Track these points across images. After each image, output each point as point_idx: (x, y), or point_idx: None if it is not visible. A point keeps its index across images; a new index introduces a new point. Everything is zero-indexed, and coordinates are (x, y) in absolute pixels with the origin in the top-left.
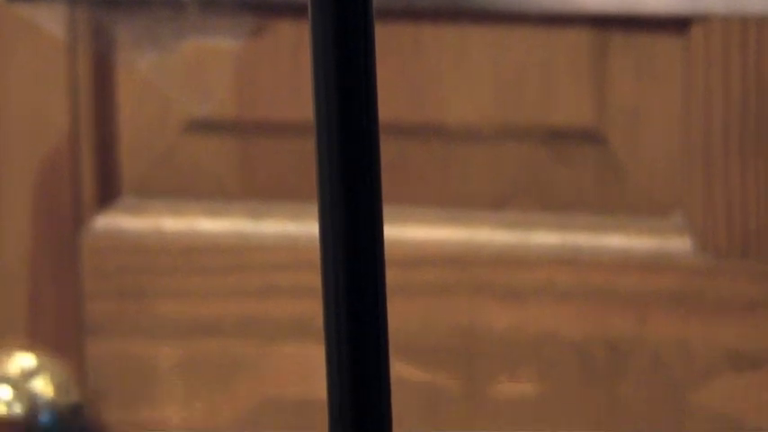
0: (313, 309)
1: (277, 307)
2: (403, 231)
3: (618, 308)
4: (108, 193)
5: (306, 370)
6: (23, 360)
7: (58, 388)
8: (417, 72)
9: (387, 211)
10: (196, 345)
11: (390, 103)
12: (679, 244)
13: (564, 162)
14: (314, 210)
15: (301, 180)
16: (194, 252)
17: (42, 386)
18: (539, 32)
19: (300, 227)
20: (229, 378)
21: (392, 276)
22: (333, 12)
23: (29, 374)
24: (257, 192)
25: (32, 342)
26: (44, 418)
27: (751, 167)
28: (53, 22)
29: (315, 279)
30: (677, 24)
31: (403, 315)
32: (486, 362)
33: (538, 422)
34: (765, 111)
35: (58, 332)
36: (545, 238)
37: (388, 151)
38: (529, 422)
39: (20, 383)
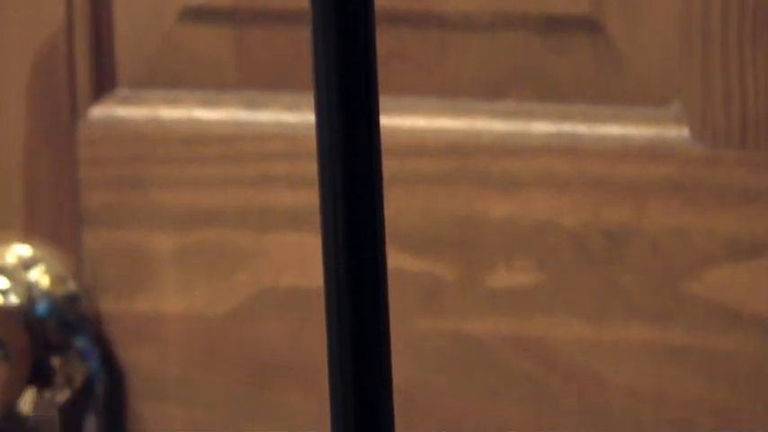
0: (309, 198)
1: (274, 196)
2: (401, 121)
3: (616, 197)
4: (104, 83)
5: (302, 258)
6: (20, 250)
7: (55, 278)
8: None
9: (384, 100)
10: (193, 234)
11: None
12: (677, 133)
13: (562, 51)
14: (311, 99)
15: (298, 69)
16: (191, 141)
17: (39, 276)
18: None
19: (297, 116)
20: (227, 267)
21: (390, 166)
22: None
23: (26, 264)
24: (254, 80)
25: (29, 233)
26: (41, 308)
27: (749, 57)
28: None
29: (311, 168)
30: None
31: (401, 205)
32: (484, 251)
33: (536, 310)
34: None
35: (55, 222)
36: (543, 127)
37: (386, 40)
38: (527, 310)
39: (17, 273)
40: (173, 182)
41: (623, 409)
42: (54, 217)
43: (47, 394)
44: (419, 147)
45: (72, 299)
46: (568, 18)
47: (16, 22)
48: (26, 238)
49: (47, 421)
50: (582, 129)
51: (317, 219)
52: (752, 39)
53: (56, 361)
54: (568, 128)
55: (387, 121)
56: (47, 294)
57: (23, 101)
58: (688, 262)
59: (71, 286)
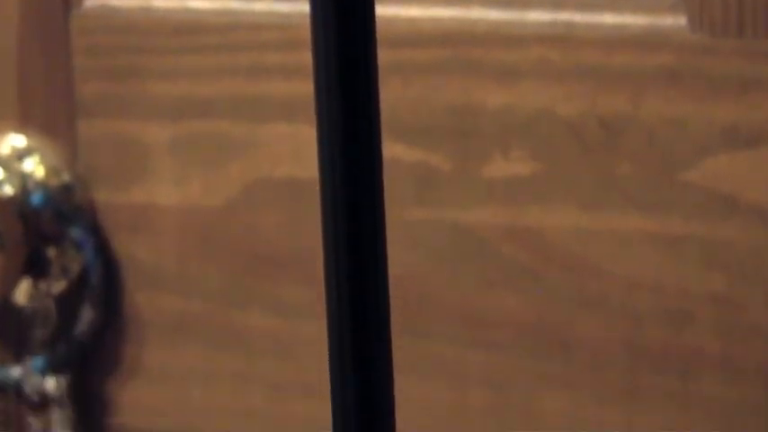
0: (304, 88)
1: (268, 87)
2: (395, 10)
3: (612, 86)
4: None
5: (297, 149)
6: (15, 140)
7: (50, 169)
8: None
9: None
10: (187, 125)
11: None
12: (674, 21)
13: None
14: None
15: None
16: (185, 31)
17: (34, 167)
18: None
19: (291, 5)
20: (221, 158)
21: (386, 56)
22: None
23: (20, 155)
24: None
25: (24, 123)
26: (36, 198)
27: None
28: None
29: (305, 58)
30: None
31: (397, 95)
32: (480, 141)
33: (532, 200)
34: None
35: (50, 113)
36: (538, 15)
37: None
38: (523, 200)
39: (11, 164)
40: (167, 72)
41: (621, 298)
42: (49, 107)
43: (42, 285)
44: (414, 36)
45: (67, 189)
46: None
47: None
48: (21, 128)
49: (43, 311)
50: (577, 17)
51: (311, 109)
52: None
53: (51, 251)
54: (564, 16)
55: (381, 10)
56: (42, 185)
57: None
58: (685, 151)
59: (66, 177)
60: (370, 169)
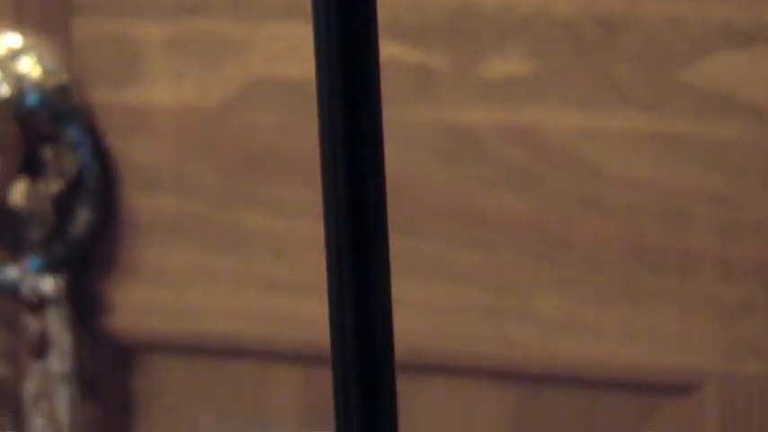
0: None
1: None
2: None
3: None
4: None
5: (294, 49)
6: (10, 41)
7: (46, 69)
8: None
9: None
10: (184, 24)
11: None
12: None
13: None
14: None
15: None
16: None
17: (30, 67)
18: None
19: None
20: (218, 57)
21: None
22: None
23: (16, 54)
24: None
25: (19, 22)
26: (31, 99)
27: None
28: None
29: None
30: None
31: None
32: (477, 40)
33: (529, 100)
34: None
35: (45, 12)
36: None
37: None
38: (520, 100)
39: (6, 64)
40: None
41: (618, 198)
42: (44, 6)
43: (39, 185)
44: None
45: (63, 90)
46: None
47: None
48: (16, 26)
49: (40, 212)
50: None
51: (308, 8)
52: None
53: (47, 152)
54: None
55: None
56: (37, 85)
57: None
58: (683, 50)
59: (62, 77)
60: (367, 69)
